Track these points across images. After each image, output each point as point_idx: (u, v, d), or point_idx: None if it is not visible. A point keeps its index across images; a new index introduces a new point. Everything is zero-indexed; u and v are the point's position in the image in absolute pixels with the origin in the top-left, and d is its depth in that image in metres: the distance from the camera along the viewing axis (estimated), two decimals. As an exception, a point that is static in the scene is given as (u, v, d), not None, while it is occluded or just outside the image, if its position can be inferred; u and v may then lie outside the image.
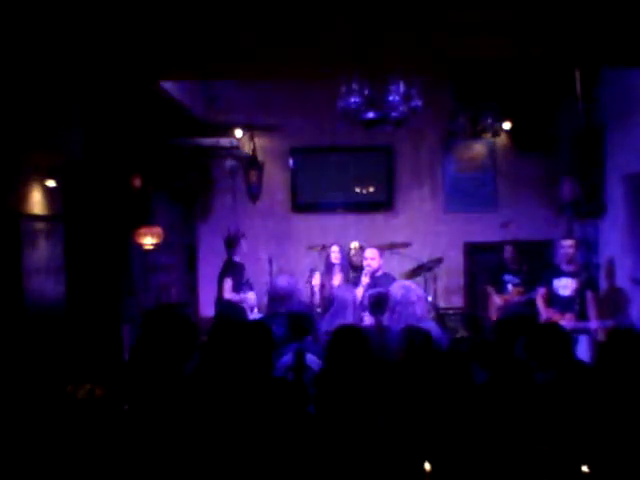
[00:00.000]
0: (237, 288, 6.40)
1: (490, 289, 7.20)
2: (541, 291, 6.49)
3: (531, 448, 3.02)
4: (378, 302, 4.69)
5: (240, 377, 3.20)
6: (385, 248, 6.67)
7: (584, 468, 2.60)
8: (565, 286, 6.30)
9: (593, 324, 5.97)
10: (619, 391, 3.20)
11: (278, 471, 2.93)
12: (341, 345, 3.47)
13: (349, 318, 4.90)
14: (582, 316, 6.17)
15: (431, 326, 4.70)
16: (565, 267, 6.33)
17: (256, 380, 3.19)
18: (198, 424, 3.02)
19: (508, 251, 7.17)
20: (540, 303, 6.46)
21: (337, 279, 6.61)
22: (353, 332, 3.58)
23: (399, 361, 3.77)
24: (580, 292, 6.23)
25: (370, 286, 5.76)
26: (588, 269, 6.94)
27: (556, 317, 6.07)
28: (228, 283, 6.40)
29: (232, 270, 6.52)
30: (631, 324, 5.98)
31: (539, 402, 3.23)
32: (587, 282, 6.32)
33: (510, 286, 7.04)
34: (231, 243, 6.70)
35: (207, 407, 3.07)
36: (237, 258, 6.61)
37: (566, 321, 5.89)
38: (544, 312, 6.36)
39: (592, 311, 6.15)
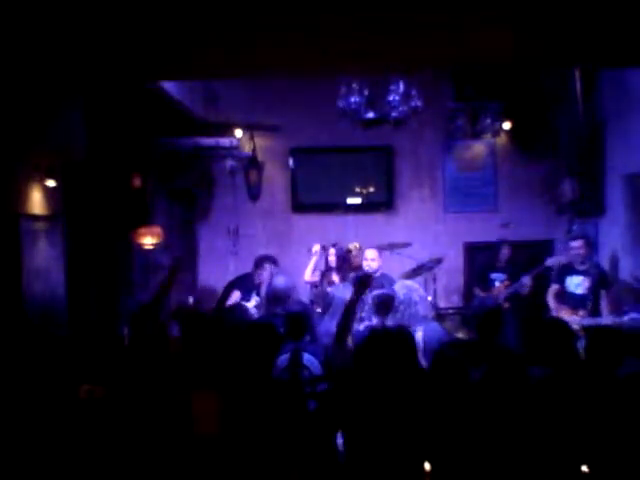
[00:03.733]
0: (243, 300, 6.38)
1: (477, 290, 7.21)
2: (554, 288, 6.49)
3: (530, 446, 3.02)
4: (383, 303, 4.69)
5: (241, 377, 3.20)
6: (385, 248, 6.67)
7: (584, 468, 2.60)
8: (578, 284, 6.30)
9: (606, 320, 5.96)
10: (606, 387, 3.21)
11: (277, 469, 2.94)
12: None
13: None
14: (595, 313, 6.18)
15: (434, 326, 4.70)
16: (578, 266, 6.33)
17: (256, 380, 3.19)
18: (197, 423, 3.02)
19: (504, 252, 7.19)
20: (551, 300, 6.47)
21: (335, 280, 6.60)
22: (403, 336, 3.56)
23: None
24: (593, 290, 6.22)
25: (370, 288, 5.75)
26: (599, 267, 6.91)
27: (567, 313, 6.08)
28: (236, 294, 6.38)
29: (246, 286, 6.48)
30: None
31: (535, 398, 3.23)
32: (600, 280, 6.29)
33: (497, 283, 7.07)
34: (259, 264, 6.60)
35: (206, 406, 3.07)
36: (258, 280, 6.54)
37: (579, 318, 5.92)
38: (555, 308, 6.36)
39: (605, 308, 6.15)
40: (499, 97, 7.64)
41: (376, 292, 4.91)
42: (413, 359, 3.44)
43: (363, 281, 4.42)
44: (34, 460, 2.98)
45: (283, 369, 4.05)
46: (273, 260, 6.71)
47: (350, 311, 4.21)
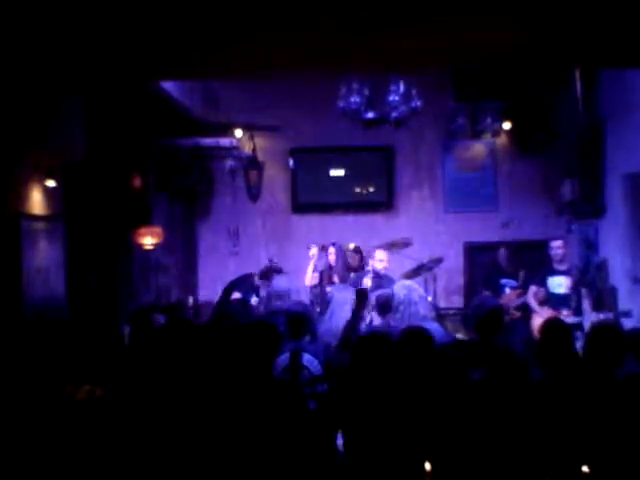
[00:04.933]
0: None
1: (486, 294, 7.18)
2: (533, 289, 6.50)
3: (530, 446, 3.02)
4: (386, 303, 4.71)
5: (240, 377, 3.20)
6: (386, 247, 6.67)
7: (584, 468, 2.60)
8: (560, 284, 6.34)
9: (590, 318, 6.01)
10: (605, 387, 3.21)
11: (276, 470, 2.94)
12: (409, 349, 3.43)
13: (345, 318, 4.89)
14: (578, 312, 6.23)
15: (434, 327, 4.69)
16: (558, 266, 6.38)
17: (255, 380, 3.19)
18: (197, 423, 3.02)
19: (502, 254, 7.18)
20: (532, 302, 6.48)
21: (335, 279, 6.59)
22: (421, 335, 3.57)
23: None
24: (575, 289, 6.27)
25: (372, 288, 5.76)
26: (587, 266, 6.96)
27: (550, 314, 6.09)
28: (236, 296, 6.38)
29: (246, 287, 6.47)
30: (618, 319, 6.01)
31: (536, 399, 3.23)
32: (581, 279, 6.35)
33: (507, 289, 7.04)
34: (266, 275, 6.59)
35: (206, 406, 3.07)
36: (259, 282, 6.54)
37: (563, 317, 5.94)
38: (538, 310, 6.36)
39: (587, 307, 6.21)
40: (499, 97, 7.64)
41: (377, 292, 4.93)
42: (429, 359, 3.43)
43: (360, 296, 4.45)
44: (31, 460, 2.97)
45: (283, 369, 4.05)
46: (279, 271, 6.67)
47: (352, 326, 4.24)
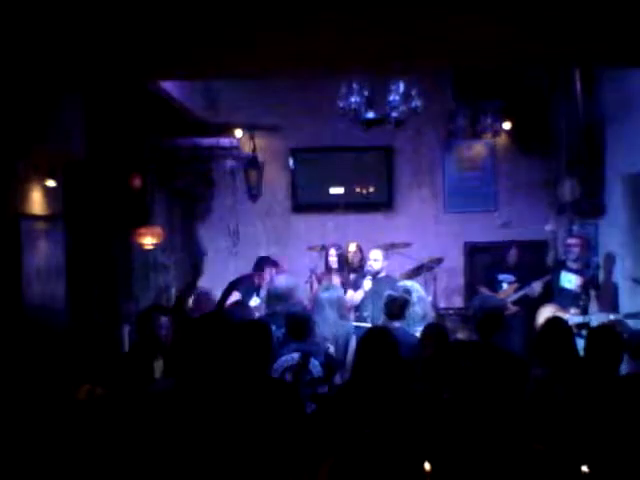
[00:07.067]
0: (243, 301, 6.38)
1: (483, 289, 7.18)
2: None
3: (530, 446, 3.02)
4: (395, 306, 4.69)
5: (238, 376, 3.20)
6: (385, 248, 6.67)
7: (584, 468, 2.60)
8: (570, 280, 6.43)
9: (598, 317, 6.04)
10: (605, 387, 3.21)
11: (275, 470, 2.94)
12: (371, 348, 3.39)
13: (329, 318, 4.86)
14: (585, 312, 6.28)
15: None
16: (571, 264, 6.45)
17: (253, 380, 3.19)
18: (197, 424, 3.02)
19: (512, 254, 7.17)
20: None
21: (336, 281, 6.59)
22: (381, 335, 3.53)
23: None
24: (585, 289, 6.34)
25: (372, 290, 5.77)
26: (591, 268, 7.00)
27: (557, 310, 6.14)
28: (235, 296, 6.38)
29: (246, 287, 6.47)
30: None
31: (535, 398, 3.23)
32: (591, 279, 6.43)
33: (505, 284, 7.07)
34: (260, 266, 6.61)
35: (205, 406, 3.07)
36: (258, 281, 6.55)
37: (571, 315, 5.99)
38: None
39: (594, 307, 6.27)
40: (499, 97, 7.64)
41: (390, 293, 4.86)
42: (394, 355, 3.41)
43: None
44: (31, 460, 2.98)
45: (285, 369, 4.04)
46: (274, 263, 6.71)
47: None
